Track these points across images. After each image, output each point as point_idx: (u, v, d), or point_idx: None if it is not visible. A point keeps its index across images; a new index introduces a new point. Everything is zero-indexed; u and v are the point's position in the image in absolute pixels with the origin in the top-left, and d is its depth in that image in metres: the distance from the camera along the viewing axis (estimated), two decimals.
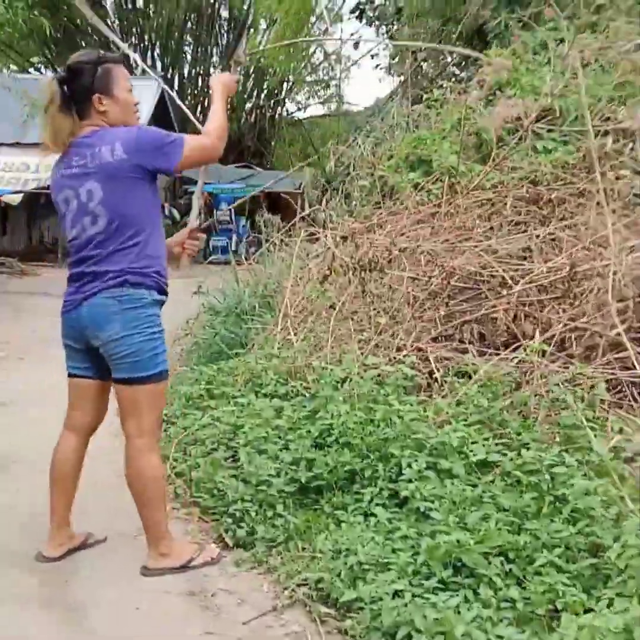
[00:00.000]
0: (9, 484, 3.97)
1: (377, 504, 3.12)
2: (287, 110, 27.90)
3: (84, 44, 26.85)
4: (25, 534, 3.34)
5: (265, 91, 27.38)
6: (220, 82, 3.23)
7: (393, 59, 16.35)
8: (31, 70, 26.95)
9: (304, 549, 3.02)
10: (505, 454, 3.10)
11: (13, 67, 24.67)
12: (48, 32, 18.46)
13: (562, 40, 6.95)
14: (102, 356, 2.97)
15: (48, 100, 2.90)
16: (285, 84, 26.63)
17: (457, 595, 2.46)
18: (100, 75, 2.94)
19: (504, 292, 4.13)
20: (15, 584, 2.94)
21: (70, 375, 3.14)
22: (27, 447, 4.49)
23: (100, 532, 3.34)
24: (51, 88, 2.90)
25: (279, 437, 3.75)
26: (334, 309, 4.97)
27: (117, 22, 27.75)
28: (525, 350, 3.70)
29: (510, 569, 2.54)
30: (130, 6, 27.23)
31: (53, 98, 2.89)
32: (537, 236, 4.64)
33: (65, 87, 2.92)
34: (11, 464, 4.26)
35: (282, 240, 7.46)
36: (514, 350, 3.85)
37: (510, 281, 4.24)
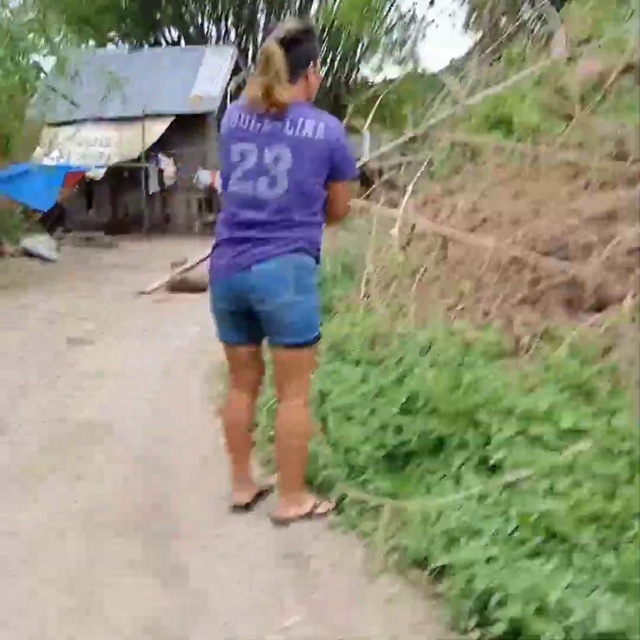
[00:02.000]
0: (106, 449, 4.14)
1: (466, 470, 3.13)
2: (361, 75, 27.51)
3: (159, 17, 27.11)
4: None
5: (340, 54, 27.04)
6: None
7: (469, 17, 15.93)
8: (108, 44, 27.31)
9: (395, 514, 3.05)
10: (595, 421, 3.06)
11: (91, 42, 25.09)
12: (124, 5, 18.71)
13: None
14: (256, 321, 3.09)
15: (273, 61, 2.89)
16: (359, 47, 26.22)
17: (551, 562, 2.46)
18: (316, 45, 3.14)
19: (592, 255, 4.04)
20: (122, 548, 3.07)
21: (224, 342, 3.27)
22: (122, 415, 4.69)
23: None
24: (276, 49, 2.90)
25: (366, 404, 3.78)
26: (417, 274, 4.95)
27: None
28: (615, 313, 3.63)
29: (605, 537, 2.52)
30: None
31: (279, 59, 2.89)
32: (623, 196, 4.50)
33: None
34: (108, 431, 4.44)
35: (361, 206, 7.42)
36: (603, 314, 3.76)
37: (595, 244, 4.14)
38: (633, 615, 2.14)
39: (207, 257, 3.38)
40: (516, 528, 2.64)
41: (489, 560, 2.54)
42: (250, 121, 2.99)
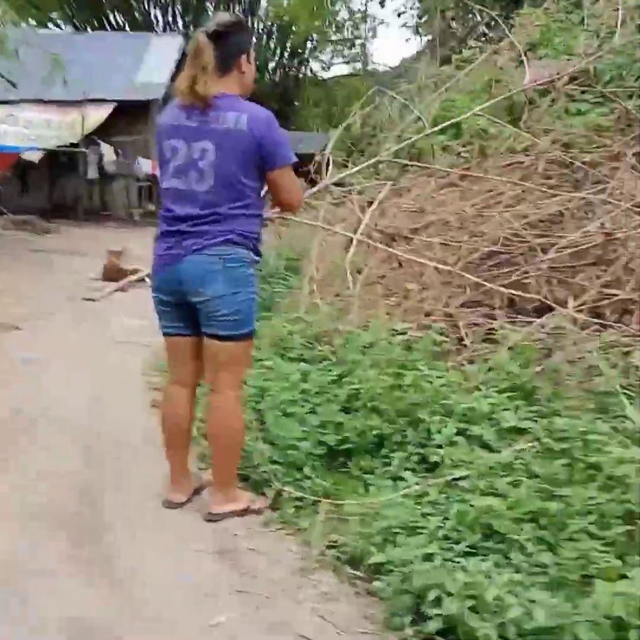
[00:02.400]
0: (40, 440, 4.01)
1: (406, 469, 3.12)
2: (311, 70, 27.55)
3: (104, 0, 26.66)
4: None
5: (289, 50, 27.04)
6: None
7: (420, 18, 16.05)
8: (50, 25, 26.72)
9: (332, 511, 3.03)
10: (536, 421, 3.09)
11: (32, 22, 24.50)
12: None
13: None
14: (195, 313, 3.06)
15: (201, 54, 2.91)
16: (308, 43, 26.26)
17: (488, 559, 2.47)
18: (248, 37, 3.14)
19: (537, 257, 4.08)
20: (52, 542, 2.97)
21: (165, 334, 3.23)
22: (57, 405, 4.56)
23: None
24: (205, 42, 2.92)
25: (306, 401, 3.76)
26: (360, 273, 4.94)
27: None
28: (557, 316, 3.67)
29: (542, 535, 2.53)
30: None
31: (207, 52, 2.91)
32: (570, 201, 4.57)
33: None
34: (43, 420, 4.31)
35: (307, 203, 7.39)
36: (546, 316, 3.81)
37: (539, 248, 4.19)
38: (569, 611, 2.15)
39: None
40: (454, 526, 2.64)
41: (425, 558, 2.53)
42: (180, 117, 3.01)
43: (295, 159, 3.07)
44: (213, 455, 3.24)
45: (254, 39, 3.14)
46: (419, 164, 5.88)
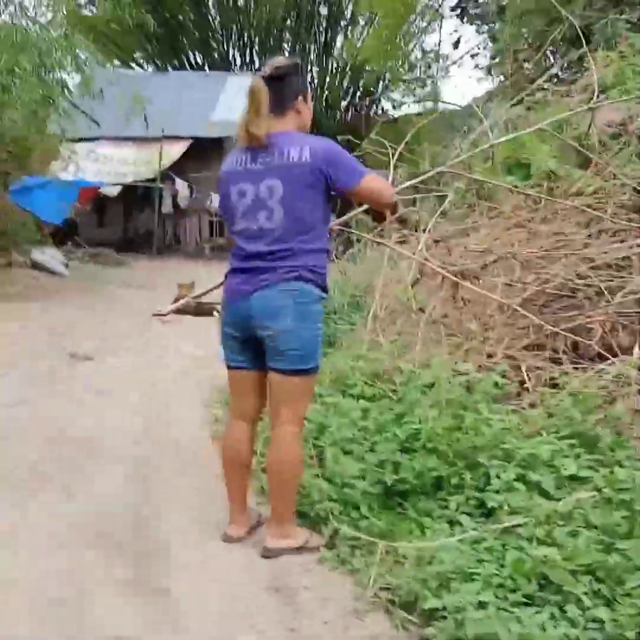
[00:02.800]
0: (100, 468, 4.10)
1: (462, 513, 3.09)
2: (382, 108, 27.76)
3: (185, 41, 27.51)
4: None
5: (361, 89, 27.34)
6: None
7: (493, 59, 16.07)
8: (132, 65, 27.69)
9: (387, 552, 3.01)
10: (597, 471, 3.02)
11: (116, 62, 25.44)
12: (151, 28, 18.98)
13: None
14: (261, 347, 3.13)
15: (257, 98, 3.03)
16: (381, 82, 26.51)
17: (543, 611, 2.42)
18: (303, 78, 3.23)
19: (602, 302, 4.03)
20: (110, 569, 3.03)
21: (230, 367, 3.29)
22: (119, 434, 4.66)
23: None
24: (261, 86, 3.04)
25: (365, 439, 3.76)
26: (424, 312, 4.94)
27: (218, 18, 28.18)
28: (622, 363, 3.61)
29: (599, 589, 2.47)
30: (231, 3, 27.62)
31: (263, 96, 3.03)
32: (638, 245, 4.50)
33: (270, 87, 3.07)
34: (103, 449, 4.40)
35: (373, 241, 7.43)
36: (609, 363, 3.74)
37: (606, 292, 4.13)
38: None
39: (216, 287, 3.43)
40: (510, 574, 2.60)
41: (480, 605, 2.49)
42: (245, 160, 3.11)
43: (368, 170, 3.12)
44: (271, 489, 3.26)
45: (308, 81, 3.23)
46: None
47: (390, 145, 5.19)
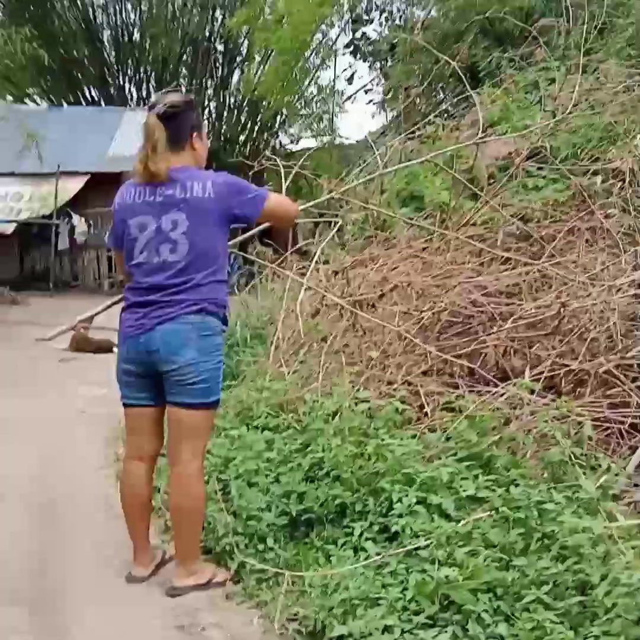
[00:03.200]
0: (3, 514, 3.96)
1: (367, 538, 3.12)
2: (280, 143, 28.05)
3: (80, 76, 27.14)
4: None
5: (259, 124, 27.55)
6: None
7: (386, 95, 16.54)
8: (27, 100, 27.10)
9: (294, 583, 3.01)
10: (493, 490, 3.11)
11: (9, 97, 24.86)
12: (45, 64, 18.69)
13: (552, 80, 7.08)
14: (160, 383, 3.09)
15: (153, 134, 3.04)
16: (278, 117, 26.81)
17: (446, 631, 2.47)
18: (197, 114, 3.23)
19: (494, 328, 4.18)
20: (5, 618, 2.92)
21: (126, 405, 3.24)
22: (16, 478, 4.51)
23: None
24: (156, 122, 3.05)
25: (270, 470, 3.76)
26: (326, 342, 5.00)
27: (113, 53, 27.96)
28: (514, 385, 3.74)
29: (499, 606, 2.54)
30: (126, 39, 27.48)
31: (160, 132, 3.04)
32: (527, 273, 4.70)
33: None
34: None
35: (274, 273, 7.49)
36: (504, 385, 3.87)
37: (497, 318, 4.29)
38: None
39: (110, 305, 3.40)
40: (413, 597, 2.64)
41: (385, 630, 2.53)
42: (144, 194, 3.10)
43: (266, 192, 3.19)
44: (175, 526, 3.22)
45: (202, 116, 3.28)
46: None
47: (284, 168, 5.26)
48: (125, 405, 3.25)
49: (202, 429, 3.15)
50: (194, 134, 3.17)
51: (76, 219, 19.76)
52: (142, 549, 3.30)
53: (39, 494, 4.29)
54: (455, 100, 8.94)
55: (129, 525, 3.30)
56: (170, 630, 2.86)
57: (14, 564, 3.37)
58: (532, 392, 3.70)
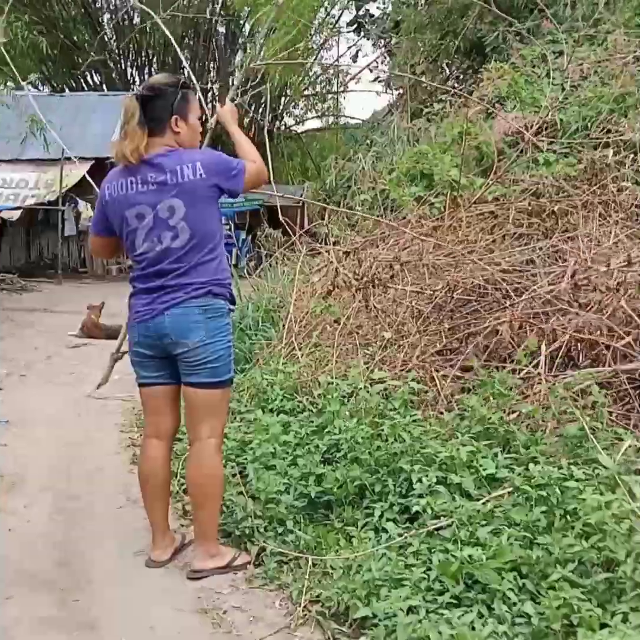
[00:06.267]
0: (17, 502, 3.96)
1: (388, 519, 3.12)
2: (285, 124, 27.91)
3: (80, 61, 27.00)
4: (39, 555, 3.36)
5: (263, 105, 27.41)
6: (227, 113, 3.48)
7: (391, 72, 16.39)
8: (28, 86, 27.00)
9: (315, 565, 3.01)
10: (513, 469, 3.10)
11: (10, 84, 24.78)
12: (45, 50, 18.59)
13: (560, 53, 6.98)
14: (174, 362, 3.12)
15: (128, 116, 3.02)
16: (282, 98, 26.67)
17: (471, 611, 2.47)
18: (180, 98, 3.13)
19: (508, 304, 4.14)
20: (34, 606, 2.93)
21: (143, 385, 3.26)
22: (34, 466, 4.52)
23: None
24: (131, 104, 3.02)
25: (287, 453, 3.76)
26: (338, 323, 4.98)
27: (114, 38, 27.80)
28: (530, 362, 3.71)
29: (524, 584, 2.54)
30: (127, 23, 27.30)
31: (134, 114, 3.01)
32: (540, 248, 4.65)
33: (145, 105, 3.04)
34: (19, 483, 4.26)
35: (284, 255, 7.47)
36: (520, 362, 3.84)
37: (512, 294, 4.25)
38: None
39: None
40: (437, 577, 2.64)
41: (409, 610, 2.52)
42: (136, 183, 3.07)
43: (241, 162, 3.16)
44: (194, 506, 3.23)
45: (191, 99, 3.15)
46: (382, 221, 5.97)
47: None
48: (140, 385, 3.26)
49: (219, 407, 3.16)
50: (174, 117, 3.09)
51: (82, 205, 19.72)
52: (161, 531, 3.30)
53: (57, 480, 4.30)
54: (462, 76, 8.85)
55: (148, 506, 3.30)
56: (192, 614, 2.86)
57: (39, 550, 3.38)
58: (550, 368, 3.67)
